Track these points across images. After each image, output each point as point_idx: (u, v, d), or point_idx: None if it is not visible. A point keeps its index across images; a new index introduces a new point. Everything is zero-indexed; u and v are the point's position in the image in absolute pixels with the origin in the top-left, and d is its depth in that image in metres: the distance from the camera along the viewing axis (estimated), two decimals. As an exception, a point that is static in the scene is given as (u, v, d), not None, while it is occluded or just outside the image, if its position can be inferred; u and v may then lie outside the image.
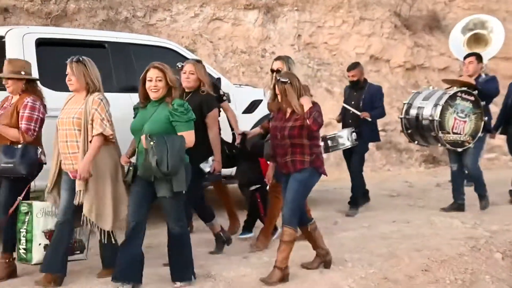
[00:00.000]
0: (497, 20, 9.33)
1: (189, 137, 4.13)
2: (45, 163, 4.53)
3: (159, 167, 3.93)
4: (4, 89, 4.60)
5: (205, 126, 4.91)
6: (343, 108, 6.98)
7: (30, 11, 9.13)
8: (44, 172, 4.51)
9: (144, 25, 10.23)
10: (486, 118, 6.57)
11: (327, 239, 5.58)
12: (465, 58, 6.95)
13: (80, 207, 4.22)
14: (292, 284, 4.39)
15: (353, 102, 6.85)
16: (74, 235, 4.47)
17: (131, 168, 4.20)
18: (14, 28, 5.55)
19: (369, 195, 7.24)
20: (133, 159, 4.29)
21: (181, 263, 4.30)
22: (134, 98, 4.97)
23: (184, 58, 6.21)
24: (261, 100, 6.42)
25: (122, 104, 5.27)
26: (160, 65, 4.15)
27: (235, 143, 5.39)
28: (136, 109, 4.36)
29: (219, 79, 6.31)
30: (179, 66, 5.25)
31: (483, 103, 6.53)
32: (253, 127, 5.96)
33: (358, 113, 6.71)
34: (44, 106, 4.58)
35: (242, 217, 5.88)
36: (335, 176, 7.28)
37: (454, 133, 6.44)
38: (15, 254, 4.47)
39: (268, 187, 5.32)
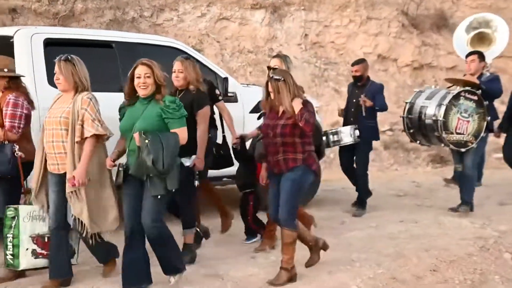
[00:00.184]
0: (502, 19, 9.26)
1: (182, 133, 4.07)
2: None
3: (155, 165, 3.85)
4: None
5: (196, 124, 4.81)
6: (346, 106, 6.95)
7: (38, 12, 9.16)
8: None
9: (151, 25, 10.25)
10: (488, 118, 6.49)
11: (335, 239, 5.59)
12: (467, 56, 6.90)
13: None
14: (300, 284, 4.38)
15: (354, 100, 6.82)
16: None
17: (121, 169, 4.10)
18: (22, 29, 5.57)
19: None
20: (118, 162, 4.16)
21: (167, 258, 4.20)
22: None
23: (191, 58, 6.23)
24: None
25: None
26: (148, 62, 4.07)
27: (233, 145, 5.29)
28: (122, 108, 4.23)
29: (226, 78, 6.30)
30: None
31: (486, 103, 6.46)
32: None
33: (366, 102, 6.66)
34: (30, 102, 4.55)
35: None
36: (342, 175, 7.24)
37: (457, 133, 6.37)
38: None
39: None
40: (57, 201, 4.18)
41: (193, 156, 4.74)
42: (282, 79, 4.31)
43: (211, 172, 5.50)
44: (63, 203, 4.17)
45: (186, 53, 6.24)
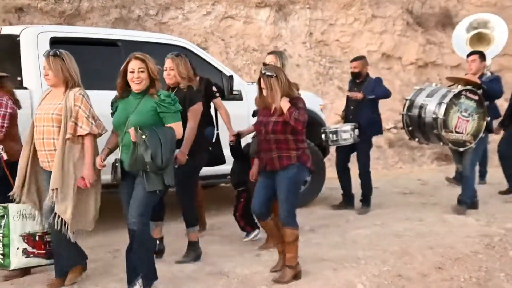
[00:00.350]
0: (499, 18, 9.25)
1: (177, 128, 3.99)
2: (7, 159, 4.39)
3: (154, 160, 3.77)
4: None
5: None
6: (346, 104, 6.92)
7: (44, 10, 9.20)
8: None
9: (156, 23, 10.27)
10: (488, 119, 6.44)
11: (340, 236, 5.60)
12: (468, 56, 6.89)
13: None
14: (305, 282, 4.38)
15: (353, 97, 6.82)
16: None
17: (117, 164, 3.97)
18: (28, 27, 5.60)
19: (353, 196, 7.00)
20: (115, 158, 4.04)
21: (139, 260, 3.96)
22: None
23: (197, 56, 6.25)
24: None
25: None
26: (142, 56, 3.96)
27: (230, 142, 5.22)
28: (114, 102, 4.11)
29: (231, 76, 6.32)
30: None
31: (486, 103, 6.42)
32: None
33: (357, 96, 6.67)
34: (15, 102, 4.52)
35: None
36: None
37: (456, 132, 6.31)
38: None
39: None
40: None
41: (177, 150, 4.49)
42: (274, 75, 4.25)
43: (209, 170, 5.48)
44: None
45: (191, 51, 6.27)
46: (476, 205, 6.71)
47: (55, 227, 4.03)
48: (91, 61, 5.47)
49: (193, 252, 4.89)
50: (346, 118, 6.92)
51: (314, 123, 6.94)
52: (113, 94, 4.16)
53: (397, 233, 5.72)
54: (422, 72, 12.56)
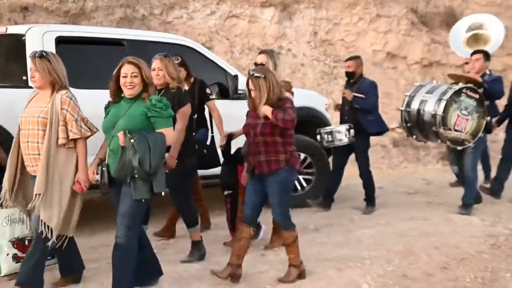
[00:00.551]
0: (493, 17, 9.22)
1: (169, 134, 3.88)
2: None
3: (141, 166, 3.65)
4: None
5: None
6: (342, 104, 6.85)
7: (49, 10, 9.21)
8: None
9: (161, 23, 10.28)
10: (488, 118, 6.40)
11: (344, 236, 5.60)
12: (472, 55, 6.86)
13: None
14: (310, 281, 4.39)
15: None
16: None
17: (104, 169, 3.87)
18: (34, 26, 5.60)
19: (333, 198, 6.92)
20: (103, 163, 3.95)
21: (120, 272, 3.85)
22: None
23: (201, 56, 6.25)
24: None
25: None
26: (135, 60, 3.85)
27: (220, 147, 5.19)
28: (107, 108, 4.02)
29: (236, 76, 6.32)
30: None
31: (486, 102, 6.38)
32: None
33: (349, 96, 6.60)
34: None
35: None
36: (350, 172, 7.22)
37: (455, 130, 6.25)
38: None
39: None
40: None
41: (166, 154, 4.33)
42: (263, 76, 4.19)
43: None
44: None
45: (196, 50, 6.28)
46: (480, 199, 6.69)
47: (42, 235, 3.91)
48: (96, 60, 5.48)
49: (198, 251, 4.89)
50: (341, 119, 6.84)
51: (319, 123, 6.94)
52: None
53: (401, 232, 5.72)
54: (427, 71, 12.52)
